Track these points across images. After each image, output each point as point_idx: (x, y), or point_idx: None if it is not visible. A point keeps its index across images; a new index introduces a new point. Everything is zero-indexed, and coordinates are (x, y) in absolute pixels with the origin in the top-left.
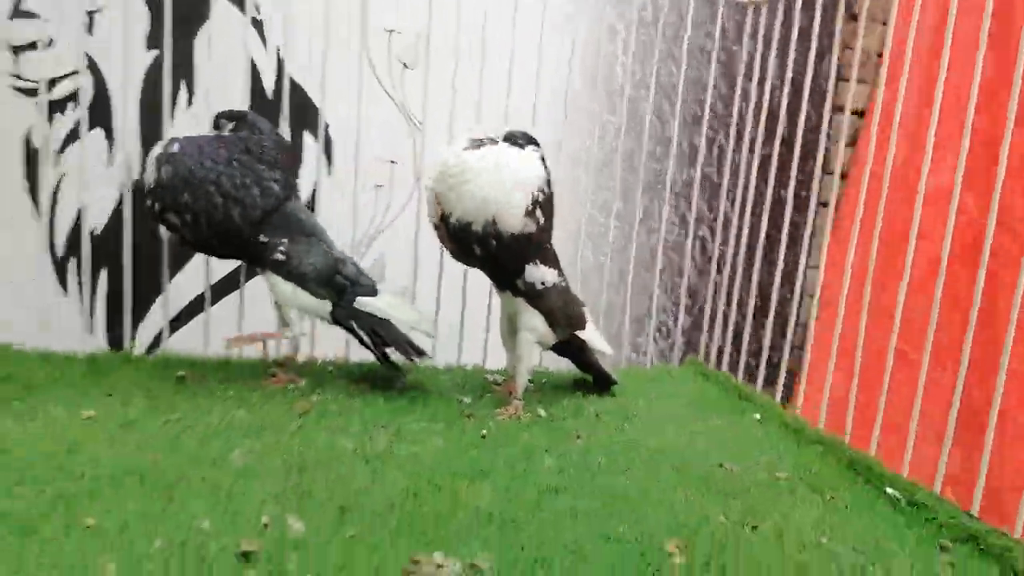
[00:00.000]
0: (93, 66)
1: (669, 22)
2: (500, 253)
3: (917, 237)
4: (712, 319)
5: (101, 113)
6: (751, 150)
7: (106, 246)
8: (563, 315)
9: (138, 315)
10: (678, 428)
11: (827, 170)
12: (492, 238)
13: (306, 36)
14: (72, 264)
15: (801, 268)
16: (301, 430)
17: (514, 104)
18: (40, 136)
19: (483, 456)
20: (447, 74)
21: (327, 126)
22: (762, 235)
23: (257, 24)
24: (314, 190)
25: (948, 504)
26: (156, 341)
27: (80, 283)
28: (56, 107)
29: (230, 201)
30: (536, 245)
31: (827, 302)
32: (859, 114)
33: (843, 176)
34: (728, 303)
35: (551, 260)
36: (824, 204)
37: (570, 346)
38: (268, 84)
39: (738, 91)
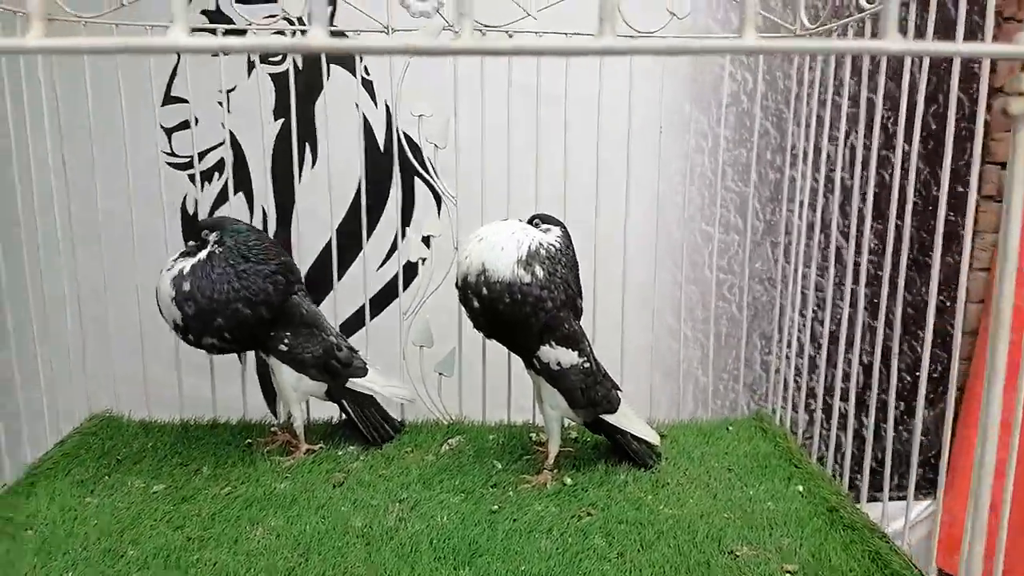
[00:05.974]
0: (233, 138)
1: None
2: (494, 306)
3: None
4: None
5: (242, 179)
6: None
7: None
8: (585, 398)
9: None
10: (705, 497)
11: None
12: (483, 286)
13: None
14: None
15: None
16: (328, 503)
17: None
18: (193, 202)
19: (483, 535)
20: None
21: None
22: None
23: (367, 84)
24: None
25: None
26: None
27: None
28: (205, 176)
29: (258, 306)
30: (543, 314)
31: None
32: None
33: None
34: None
35: (570, 341)
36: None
37: (601, 426)
38: (380, 137)
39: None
